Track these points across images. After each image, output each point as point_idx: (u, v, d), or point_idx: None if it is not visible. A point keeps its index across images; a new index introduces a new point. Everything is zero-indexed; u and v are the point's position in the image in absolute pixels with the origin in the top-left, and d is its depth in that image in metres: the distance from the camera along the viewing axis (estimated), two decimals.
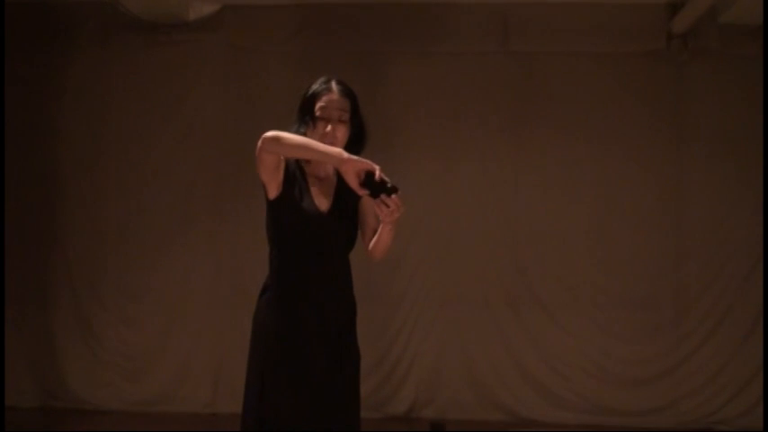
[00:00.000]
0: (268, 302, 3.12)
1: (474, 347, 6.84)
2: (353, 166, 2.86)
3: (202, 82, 7.01)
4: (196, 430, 6.35)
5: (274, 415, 3.03)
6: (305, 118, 3.13)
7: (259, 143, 2.97)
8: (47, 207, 7.03)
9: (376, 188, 2.85)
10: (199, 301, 6.95)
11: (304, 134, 3.09)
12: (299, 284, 3.08)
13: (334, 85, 3.14)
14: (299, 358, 3.06)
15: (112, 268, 6.99)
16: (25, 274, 6.91)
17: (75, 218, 7.03)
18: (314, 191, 3.13)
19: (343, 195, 3.17)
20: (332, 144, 3.02)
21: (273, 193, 3.09)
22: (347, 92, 3.15)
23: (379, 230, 3.08)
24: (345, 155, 2.88)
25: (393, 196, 2.86)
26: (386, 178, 2.85)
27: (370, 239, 3.18)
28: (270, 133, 2.94)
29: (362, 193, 2.89)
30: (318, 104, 3.11)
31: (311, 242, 3.09)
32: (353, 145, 3.14)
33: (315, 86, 3.15)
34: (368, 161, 2.87)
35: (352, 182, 2.88)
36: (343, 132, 3.11)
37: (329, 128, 3.08)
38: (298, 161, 3.16)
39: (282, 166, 3.08)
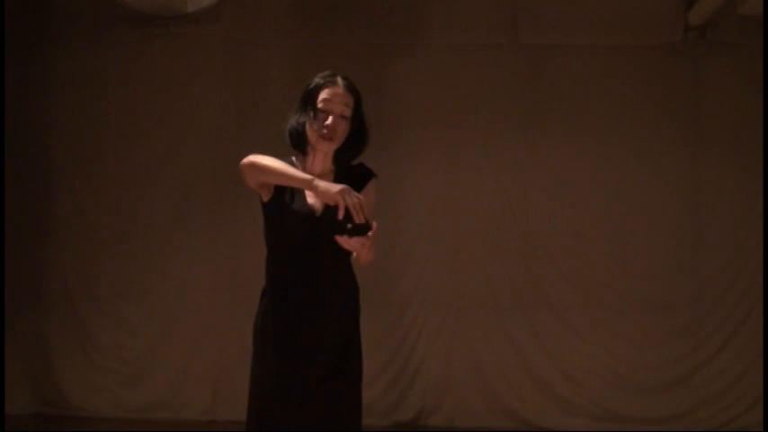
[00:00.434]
0: (264, 308, 3.13)
1: (483, 352, 6.79)
2: (323, 198, 2.90)
3: (201, 76, 6.97)
4: None
5: (273, 423, 3.03)
6: (306, 108, 3.12)
7: (239, 166, 3.07)
8: (41, 208, 6.97)
9: (352, 230, 2.81)
10: (198, 304, 6.89)
11: (303, 124, 3.10)
12: (293, 288, 3.06)
13: (339, 79, 3.15)
14: (296, 365, 3.03)
15: (109, 271, 6.94)
16: (19, 277, 6.84)
17: (71, 219, 6.96)
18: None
19: None
20: (331, 138, 3.05)
21: (266, 197, 3.12)
22: (352, 88, 3.15)
23: (354, 255, 3.00)
24: (317, 183, 2.89)
25: (365, 235, 2.79)
26: (360, 214, 2.79)
27: None
28: (247, 160, 3.05)
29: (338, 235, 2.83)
30: (321, 96, 3.10)
31: (304, 245, 3.06)
32: (352, 145, 3.14)
33: (319, 78, 3.15)
34: (339, 192, 2.80)
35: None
36: (343, 128, 3.10)
37: (330, 120, 3.06)
38: (293, 161, 3.16)
39: None
